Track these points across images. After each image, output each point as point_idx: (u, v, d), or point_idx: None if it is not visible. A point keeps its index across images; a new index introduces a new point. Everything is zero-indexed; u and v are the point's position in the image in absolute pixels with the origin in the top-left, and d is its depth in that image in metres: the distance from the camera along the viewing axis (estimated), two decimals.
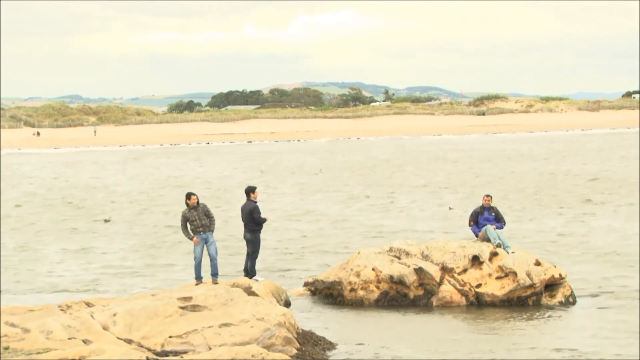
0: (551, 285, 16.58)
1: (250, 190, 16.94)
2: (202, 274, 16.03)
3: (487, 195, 18.01)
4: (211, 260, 16.37)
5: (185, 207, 16.22)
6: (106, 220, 28.26)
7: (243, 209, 16.94)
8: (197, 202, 16.23)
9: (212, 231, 16.27)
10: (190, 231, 16.10)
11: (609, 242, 22.67)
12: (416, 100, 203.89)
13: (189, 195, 16.24)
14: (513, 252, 16.87)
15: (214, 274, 16.40)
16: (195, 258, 16.24)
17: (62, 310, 13.65)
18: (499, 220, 17.45)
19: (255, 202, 16.91)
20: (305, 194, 38.00)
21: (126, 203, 35.81)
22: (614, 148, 67.47)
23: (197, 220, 16.13)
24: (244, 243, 17.12)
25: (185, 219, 16.15)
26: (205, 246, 16.19)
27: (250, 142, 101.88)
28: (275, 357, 11.27)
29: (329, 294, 17.36)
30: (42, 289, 18.73)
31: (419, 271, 16.81)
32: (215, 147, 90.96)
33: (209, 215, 16.27)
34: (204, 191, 38.33)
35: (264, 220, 16.87)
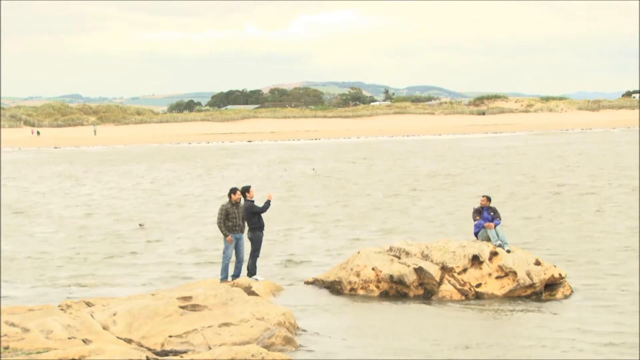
0: (551, 285, 16.58)
1: (245, 190, 16.99)
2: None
3: (484, 196, 18.05)
4: (239, 262, 16.51)
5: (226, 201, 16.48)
6: (140, 225, 28.21)
7: (243, 209, 16.98)
8: (239, 200, 16.40)
9: (243, 232, 16.47)
10: (227, 228, 16.26)
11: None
12: (416, 100, 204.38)
13: (234, 191, 16.38)
14: (509, 250, 16.88)
15: (237, 275, 16.52)
16: (226, 257, 16.35)
17: (62, 309, 13.65)
18: (496, 219, 17.49)
19: (252, 201, 16.95)
20: (303, 193, 38.04)
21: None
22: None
23: (236, 219, 16.28)
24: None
25: (226, 213, 16.25)
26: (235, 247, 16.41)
27: (250, 141, 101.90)
28: (275, 356, 11.26)
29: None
30: None
31: (419, 271, 16.80)
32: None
33: (243, 217, 16.47)
34: None
35: (267, 203, 16.79)
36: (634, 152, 61.40)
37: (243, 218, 16.62)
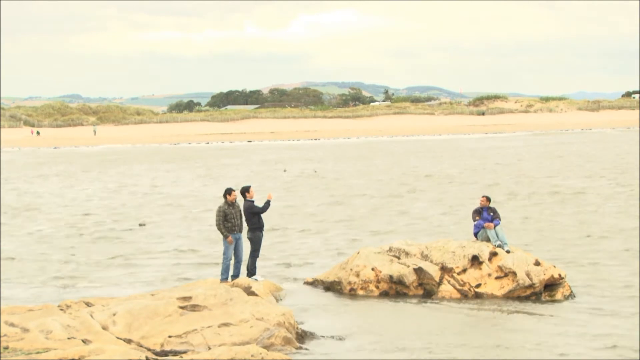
0: (550, 285, 16.57)
1: (245, 190, 16.99)
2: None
3: (484, 196, 18.03)
4: (238, 262, 16.48)
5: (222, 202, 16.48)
6: (141, 224, 28.20)
7: (243, 210, 16.98)
8: (235, 200, 16.39)
9: (242, 232, 16.45)
10: (226, 229, 16.26)
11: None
12: (416, 100, 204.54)
13: (229, 191, 16.41)
14: (509, 251, 16.87)
15: (237, 275, 16.49)
16: (226, 258, 16.33)
17: (61, 309, 13.64)
18: (496, 219, 17.48)
19: (252, 201, 16.94)
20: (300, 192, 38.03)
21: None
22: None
23: (234, 219, 16.26)
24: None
25: (224, 214, 16.25)
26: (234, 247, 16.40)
27: (250, 141, 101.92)
28: (275, 356, 11.26)
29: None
30: None
31: (418, 271, 16.80)
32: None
33: (241, 216, 16.45)
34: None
35: (267, 203, 16.80)
36: (633, 152, 61.43)
37: (241, 218, 16.63)
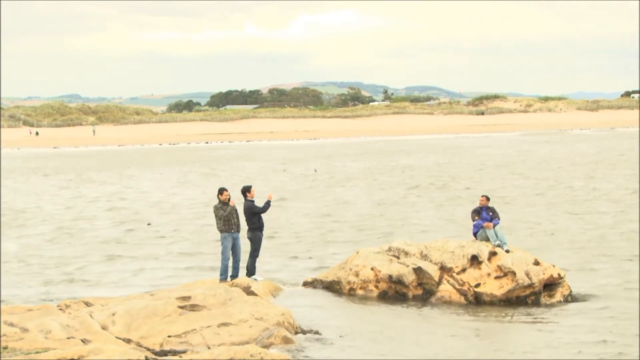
0: (550, 285, 16.57)
1: (246, 190, 16.99)
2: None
3: (483, 196, 18.02)
4: (236, 262, 16.50)
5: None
6: (149, 224, 28.29)
7: (243, 209, 16.99)
8: (229, 200, 16.44)
9: (239, 232, 16.47)
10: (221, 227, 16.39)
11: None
12: (415, 100, 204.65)
13: (221, 191, 16.48)
14: (508, 250, 16.86)
15: (235, 275, 16.48)
16: (225, 258, 16.38)
17: (60, 309, 13.64)
18: (495, 219, 17.46)
19: (253, 201, 16.94)
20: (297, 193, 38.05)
21: None
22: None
23: (230, 219, 16.36)
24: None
25: (218, 213, 16.38)
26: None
27: (250, 141, 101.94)
28: (274, 356, 11.26)
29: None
30: None
31: (417, 271, 16.80)
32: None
33: (238, 215, 16.52)
34: None
35: (268, 203, 16.79)
36: (633, 152, 61.45)
37: (238, 217, 16.61)
